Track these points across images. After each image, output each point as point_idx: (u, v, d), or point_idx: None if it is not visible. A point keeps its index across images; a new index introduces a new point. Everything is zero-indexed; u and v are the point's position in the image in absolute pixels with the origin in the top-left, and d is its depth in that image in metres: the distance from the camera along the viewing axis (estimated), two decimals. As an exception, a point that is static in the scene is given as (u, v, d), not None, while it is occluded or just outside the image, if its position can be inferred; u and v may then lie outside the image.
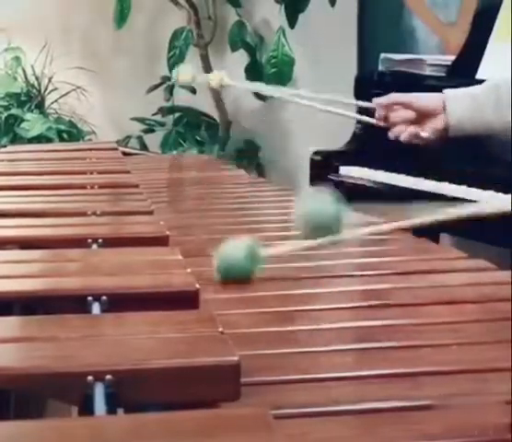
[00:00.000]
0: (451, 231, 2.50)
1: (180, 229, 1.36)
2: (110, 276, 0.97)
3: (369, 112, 1.95)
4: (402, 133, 1.81)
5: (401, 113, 1.82)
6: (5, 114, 3.47)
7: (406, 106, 1.82)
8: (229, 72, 3.84)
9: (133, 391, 0.68)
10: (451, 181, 2.29)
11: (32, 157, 2.07)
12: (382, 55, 2.88)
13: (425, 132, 1.79)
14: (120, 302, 0.87)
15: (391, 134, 1.84)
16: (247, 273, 1.06)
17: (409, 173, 2.41)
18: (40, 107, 3.57)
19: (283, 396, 0.73)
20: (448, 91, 1.82)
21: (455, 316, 0.95)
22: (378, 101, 1.87)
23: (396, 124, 1.83)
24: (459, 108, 1.78)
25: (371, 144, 2.47)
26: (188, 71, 1.93)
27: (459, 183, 2.27)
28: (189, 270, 0.97)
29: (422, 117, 1.80)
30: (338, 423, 0.69)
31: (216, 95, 3.62)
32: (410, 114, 1.81)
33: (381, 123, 1.86)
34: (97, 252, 1.11)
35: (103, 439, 0.57)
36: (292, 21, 3.50)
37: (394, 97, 1.86)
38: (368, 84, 2.82)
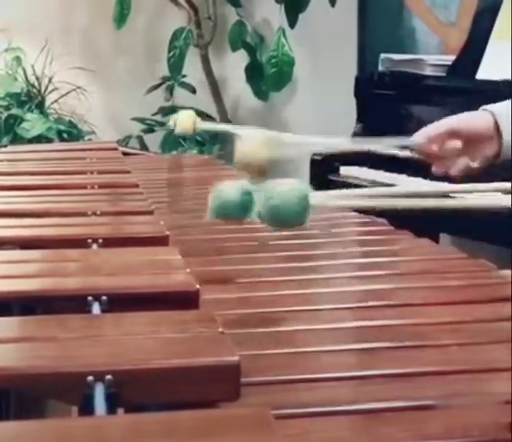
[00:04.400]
0: (451, 231, 2.51)
1: (180, 229, 1.36)
2: (110, 276, 0.97)
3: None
4: (452, 167, 1.54)
5: (448, 146, 1.53)
6: (6, 114, 3.47)
7: (452, 134, 1.53)
8: (229, 72, 3.84)
9: (133, 391, 0.68)
10: (452, 182, 2.29)
11: (32, 157, 2.06)
12: (382, 55, 2.88)
13: (477, 161, 1.53)
14: (120, 302, 0.87)
15: (437, 170, 1.56)
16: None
17: (409, 173, 2.41)
18: (41, 107, 3.57)
19: (283, 396, 0.73)
20: (492, 108, 1.54)
21: (455, 316, 0.95)
22: (423, 134, 1.56)
23: (442, 158, 1.55)
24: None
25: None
26: (188, 118, 1.84)
27: (460, 183, 2.26)
28: (189, 270, 0.97)
29: (470, 142, 1.53)
30: (338, 423, 0.69)
31: (216, 94, 3.62)
32: (458, 144, 1.52)
33: (424, 157, 1.58)
34: (97, 252, 1.11)
35: (103, 439, 0.57)
36: (292, 21, 3.50)
37: (436, 127, 1.55)
38: (368, 84, 2.82)
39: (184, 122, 1.82)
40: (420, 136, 1.54)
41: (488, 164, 1.54)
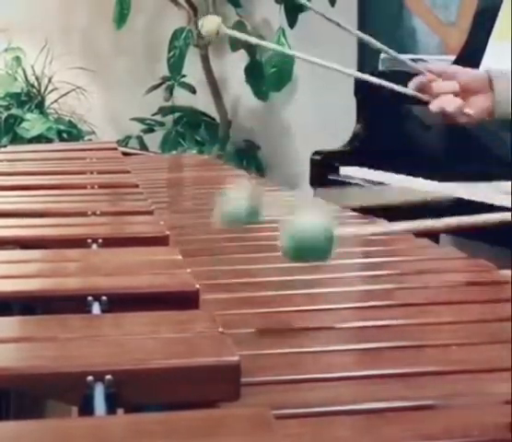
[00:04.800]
0: (451, 231, 2.50)
1: (180, 229, 1.36)
2: (110, 276, 0.97)
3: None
4: (448, 104, 1.65)
5: (445, 84, 1.66)
6: (6, 114, 3.48)
7: (450, 77, 1.68)
8: (229, 72, 3.84)
9: (133, 391, 0.68)
10: (452, 182, 2.29)
11: (32, 157, 2.06)
12: (382, 55, 2.88)
13: (471, 109, 1.64)
14: (120, 302, 0.87)
15: (434, 106, 1.67)
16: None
17: (409, 174, 2.41)
18: (40, 107, 3.58)
19: (283, 396, 0.73)
20: (492, 70, 1.68)
21: (455, 316, 0.95)
22: (419, 68, 1.72)
23: (439, 95, 1.67)
24: (506, 88, 1.62)
25: (371, 144, 2.47)
26: (213, 22, 1.83)
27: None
28: (189, 270, 0.97)
29: (466, 93, 1.65)
30: (338, 423, 0.69)
31: (216, 94, 3.62)
32: (455, 86, 1.65)
33: (423, 96, 1.70)
34: (97, 252, 1.11)
35: (103, 439, 0.57)
36: (292, 21, 3.50)
37: (438, 66, 1.72)
38: (368, 84, 2.82)
39: (209, 24, 1.83)
40: (424, 68, 1.70)
41: (483, 119, 1.65)
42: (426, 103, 1.70)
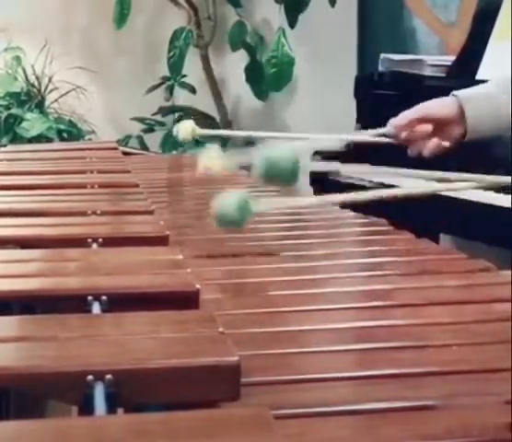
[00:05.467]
0: (451, 231, 2.51)
1: (180, 229, 1.36)
2: (110, 276, 0.97)
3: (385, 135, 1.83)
4: (424, 148, 1.69)
5: (418, 129, 1.70)
6: (6, 114, 3.47)
7: (422, 120, 1.70)
8: (229, 72, 3.84)
9: (133, 391, 0.68)
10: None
11: (32, 157, 2.06)
12: (382, 56, 2.88)
13: (446, 141, 1.68)
14: (120, 302, 0.87)
15: (412, 152, 1.72)
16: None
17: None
18: (40, 106, 3.57)
19: (283, 396, 0.73)
20: (460, 94, 1.70)
21: (455, 316, 0.95)
22: (392, 123, 1.73)
23: (415, 141, 1.71)
24: (477, 111, 1.66)
25: (371, 143, 2.46)
26: (187, 126, 1.87)
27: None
28: (189, 270, 0.97)
29: (440, 125, 1.69)
30: (338, 423, 0.69)
31: (216, 94, 3.62)
32: (428, 128, 1.69)
33: (399, 142, 1.74)
34: (97, 252, 1.11)
35: (103, 439, 0.57)
36: (292, 21, 3.50)
37: (407, 115, 1.72)
38: (368, 84, 2.82)
39: (183, 131, 1.85)
40: (391, 125, 1.73)
41: (458, 142, 1.69)
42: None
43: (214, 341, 0.74)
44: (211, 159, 1.66)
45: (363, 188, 2.52)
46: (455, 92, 1.71)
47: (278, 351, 0.84)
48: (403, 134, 1.71)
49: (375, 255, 1.22)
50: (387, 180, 2.47)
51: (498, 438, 0.66)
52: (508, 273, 1.08)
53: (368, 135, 1.89)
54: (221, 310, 0.91)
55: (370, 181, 2.52)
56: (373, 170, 2.27)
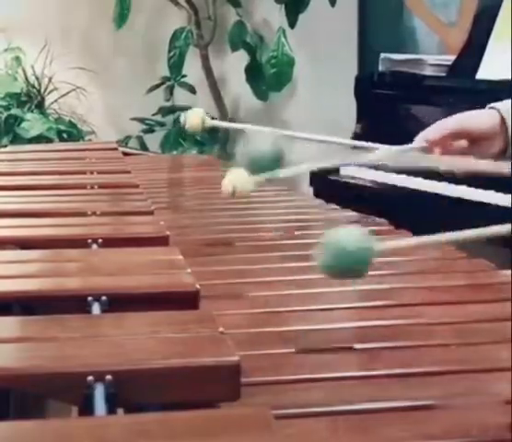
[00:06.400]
0: (451, 231, 2.50)
1: (180, 229, 1.36)
2: (110, 276, 0.97)
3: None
4: (457, 166, 1.43)
5: (452, 147, 1.46)
6: (5, 114, 3.47)
7: (457, 135, 1.47)
8: (229, 72, 3.84)
9: (133, 391, 0.68)
10: (451, 182, 2.29)
11: (32, 157, 2.06)
12: (382, 55, 2.88)
13: (482, 158, 1.43)
14: (120, 302, 0.87)
15: (444, 170, 1.50)
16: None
17: (409, 174, 2.41)
18: (40, 107, 3.57)
19: (283, 396, 0.73)
20: (500, 106, 1.49)
21: (455, 316, 0.95)
22: (424, 137, 1.48)
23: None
24: None
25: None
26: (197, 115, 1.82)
27: (460, 184, 2.26)
28: (189, 270, 0.97)
29: (476, 140, 1.47)
30: (338, 423, 0.69)
31: (216, 94, 3.62)
32: (463, 144, 1.46)
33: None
34: (97, 252, 1.11)
35: (103, 439, 0.57)
36: (292, 21, 3.50)
37: (441, 128, 1.47)
38: (368, 84, 2.82)
39: (192, 120, 1.82)
40: (421, 140, 1.48)
41: (496, 158, 1.46)
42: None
43: (214, 341, 0.74)
44: (237, 181, 1.62)
45: (363, 188, 2.52)
46: (493, 104, 1.51)
47: (278, 351, 0.84)
48: (437, 151, 1.46)
49: (375, 255, 1.21)
50: (388, 181, 2.47)
51: (498, 438, 0.66)
52: (508, 272, 1.08)
53: (394, 151, 1.69)
54: (221, 310, 0.91)
55: (370, 182, 2.52)
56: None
